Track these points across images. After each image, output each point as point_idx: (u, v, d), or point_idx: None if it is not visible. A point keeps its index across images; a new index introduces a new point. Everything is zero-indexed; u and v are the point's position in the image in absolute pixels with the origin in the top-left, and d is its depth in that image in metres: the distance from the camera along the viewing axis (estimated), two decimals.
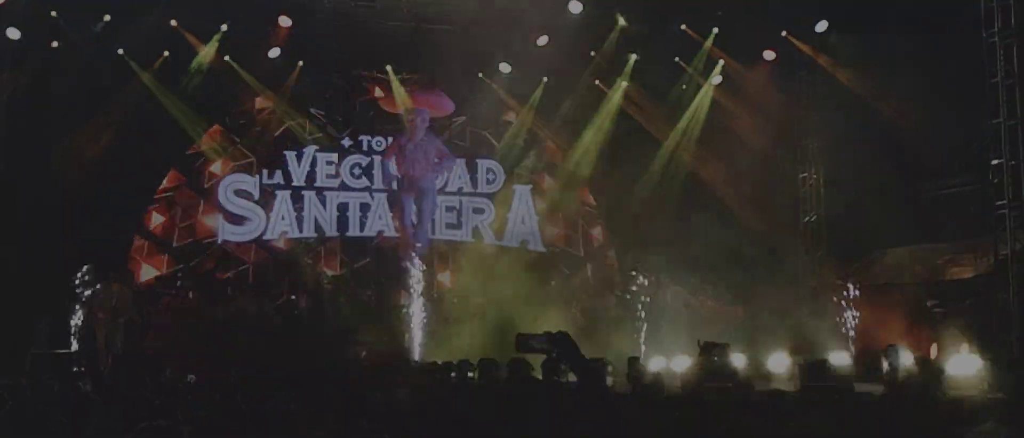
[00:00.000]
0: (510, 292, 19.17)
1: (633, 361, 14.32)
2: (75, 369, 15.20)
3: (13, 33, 18.27)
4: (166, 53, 19.77)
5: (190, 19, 19.16)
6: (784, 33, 20.73)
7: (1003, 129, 15.88)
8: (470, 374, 14.43)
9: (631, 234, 20.84)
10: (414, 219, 20.91)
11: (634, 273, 19.41)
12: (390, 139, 21.31)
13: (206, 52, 19.78)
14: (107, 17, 18.68)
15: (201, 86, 20.10)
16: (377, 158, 21.33)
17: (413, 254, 20.33)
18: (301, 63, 20.61)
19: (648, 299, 18.73)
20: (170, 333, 17.79)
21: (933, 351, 14.55)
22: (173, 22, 19.00)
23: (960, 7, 16.97)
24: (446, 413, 6.52)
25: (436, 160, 20.84)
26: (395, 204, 21.06)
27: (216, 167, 20.65)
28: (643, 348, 17.89)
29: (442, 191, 21.52)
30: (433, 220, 21.26)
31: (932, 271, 18.71)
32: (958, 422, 5.96)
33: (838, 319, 17.74)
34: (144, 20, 18.74)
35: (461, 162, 21.75)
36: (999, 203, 15.89)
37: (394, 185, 21.01)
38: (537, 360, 11.07)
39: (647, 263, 19.36)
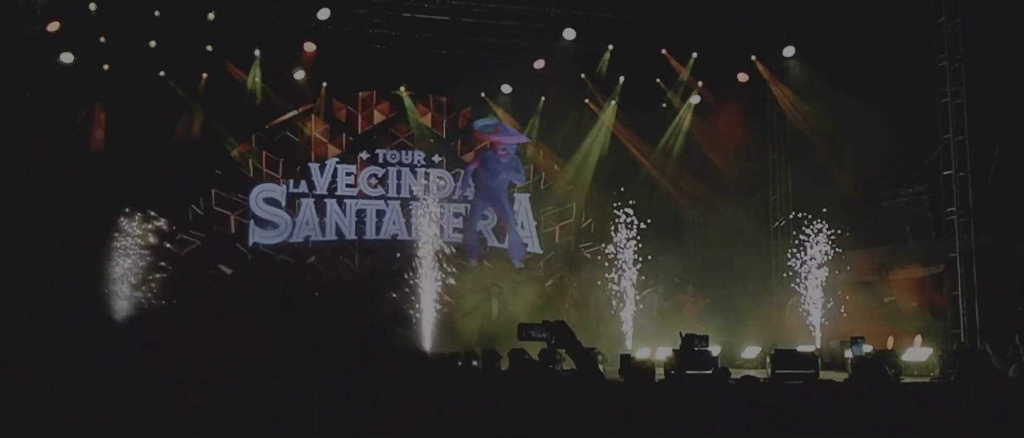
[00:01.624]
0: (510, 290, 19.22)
1: (624, 357, 14.23)
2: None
3: (66, 57, 18.31)
4: (205, 75, 19.77)
5: (225, 45, 19.15)
6: (753, 57, 20.80)
7: (952, 144, 15.93)
8: (474, 362, 14.45)
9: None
10: (479, 228, 21.46)
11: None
12: (413, 154, 21.57)
13: (250, 78, 19.92)
14: (152, 43, 18.73)
15: (236, 104, 20.14)
16: (392, 169, 21.32)
17: (471, 259, 20.90)
18: (325, 84, 20.64)
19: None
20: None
21: (890, 342, 14.56)
22: (209, 47, 19.02)
23: (914, 34, 17.00)
24: (454, 398, 6.51)
25: (504, 176, 21.48)
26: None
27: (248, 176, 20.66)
28: (628, 340, 17.88)
29: (449, 199, 21.54)
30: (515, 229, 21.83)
31: (888, 270, 18.71)
32: (913, 404, 5.98)
33: (805, 313, 17.74)
34: (184, 46, 18.82)
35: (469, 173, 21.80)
36: (949, 210, 15.95)
37: (469, 194, 21.53)
38: (535, 349, 11.10)
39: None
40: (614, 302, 19.10)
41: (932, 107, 16.35)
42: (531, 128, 21.93)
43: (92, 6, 17.69)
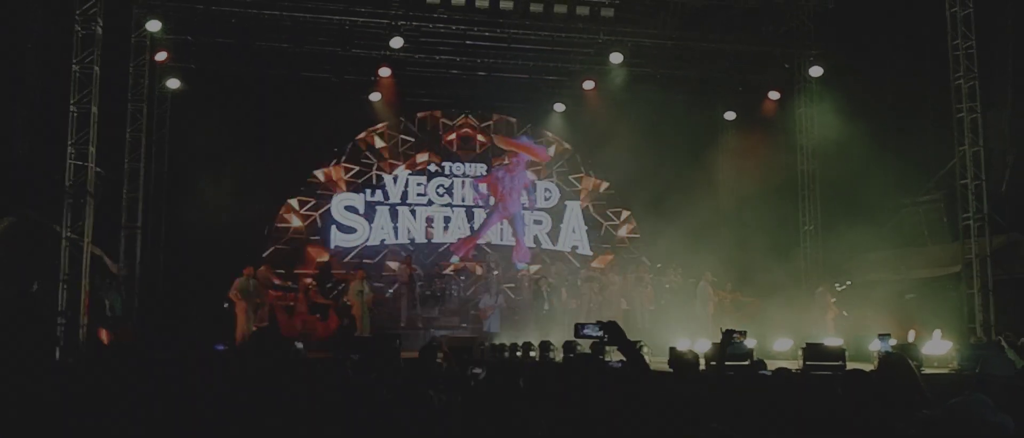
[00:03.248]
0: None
1: (672, 349, 14.15)
2: (218, 347, 15.35)
3: (173, 83, 18.69)
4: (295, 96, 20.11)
5: (310, 69, 19.44)
6: (784, 74, 20.64)
7: (967, 154, 15.70)
8: (532, 353, 14.51)
9: (664, 243, 20.66)
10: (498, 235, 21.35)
11: (671, 272, 19.26)
12: (476, 167, 21.63)
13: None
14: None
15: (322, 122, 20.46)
16: (457, 180, 21.48)
17: (518, 263, 21.08)
18: (399, 105, 20.87)
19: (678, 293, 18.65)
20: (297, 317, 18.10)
21: (911, 336, 14.33)
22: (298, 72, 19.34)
23: (932, 54, 16.78)
24: (511, 384, 6.51)
25: (524, 188, 21.28)
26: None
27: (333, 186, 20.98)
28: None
29: None
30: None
31: (909, 270, 18.45)
32: (934, 393, 5.91)
33: (833, 310, 17.54)
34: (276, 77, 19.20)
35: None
36: (965, 215, 15.71)
37: (481, 202, 21.39)
38: (586, 344, 11.10)
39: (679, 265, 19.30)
40: (657, 298, 19.11)
41: (949, 121, 16.11)
42: (585, 143, 21.98)
43: (196, 37, 18.04)
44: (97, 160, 14.16)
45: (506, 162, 21.63)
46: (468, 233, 21.28)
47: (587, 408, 4.91)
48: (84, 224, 13.54)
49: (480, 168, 21.63)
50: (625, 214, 22.38)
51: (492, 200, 21.27)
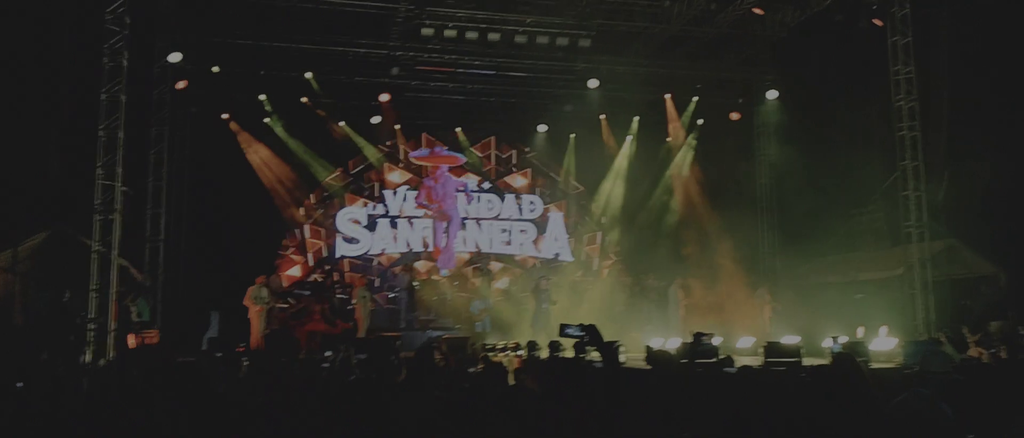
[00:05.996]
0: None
1: (648, 348, 14.12)
2: (238, 349, 15.26)
3: (193, 107, 18.66)
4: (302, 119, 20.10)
5: (317, 95, 19.43)
6: (740, 100, 20.83)
7: (909, 169, 15.84)
8: (519, 352, 14.50)
9: (636, 251, 20.73)
10: (442, 241, 20.73)
11: (646, 277, 19.26)
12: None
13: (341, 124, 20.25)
14: (263, 96, 19.09)
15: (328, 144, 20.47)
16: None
17: (443, 267, 20.35)
18: (398, 126, 20.85)
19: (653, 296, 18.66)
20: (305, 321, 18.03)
21: (860, 332, 14.42)
22: (304, 99, 19.32)
23: (875, 79, 16.91)
24: (501, 379, 6.52)
25: (456, 193, 20.73)
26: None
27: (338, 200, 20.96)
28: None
29: (497, 218, 21.62)
30: (463, 240, 21.15)
31: (857, 272, 18.55)
32: (883, 388, 5.97)
33: (769, 308, 17.62)
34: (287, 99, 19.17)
35: (510, 196, 21.82)
36: (907, 223, 15.83)
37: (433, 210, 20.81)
38: (568, 342, 11.10)
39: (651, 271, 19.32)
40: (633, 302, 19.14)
41: (891, 139, 16.24)
42: (567, 161, 22.00)
43: (215, 68, 18.01)
44: (123, 179, 14.11)
45: (431, 172, 21.23)
46: (462, 242, 21.26)
47: (569, 408, 4.93)
48: (112, 238, 13.47)
49: (471, 183, 21.62)
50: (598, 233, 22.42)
51: (432, 207, 20.82)
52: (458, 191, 20.80)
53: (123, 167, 13.68)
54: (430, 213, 20.70)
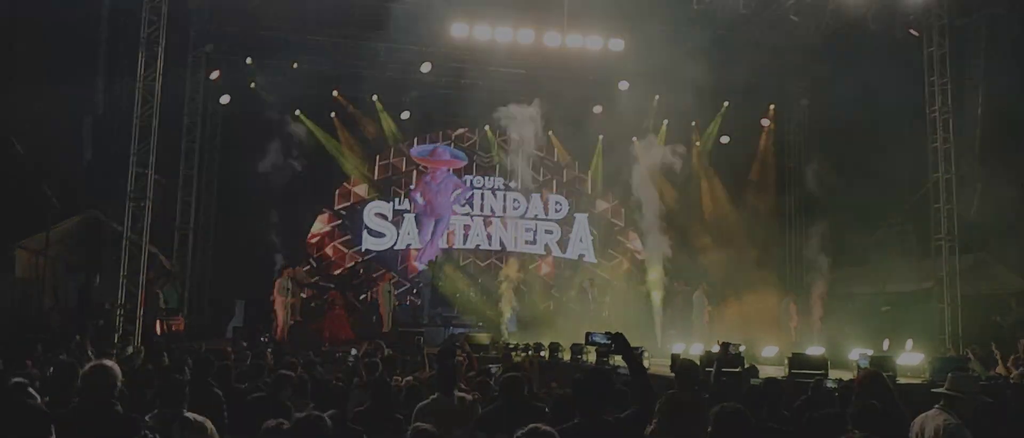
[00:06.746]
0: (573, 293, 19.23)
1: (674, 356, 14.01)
2: (262, 338, 15.43)
3: (224, 98, 18.87)
4: (334, 113, 20.26)
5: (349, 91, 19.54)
6: (772, 106, 20.69)
7: (941, 181, 15.67)
8: (541, 353, 14.51)
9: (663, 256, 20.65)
10: (428, 236, 20.69)
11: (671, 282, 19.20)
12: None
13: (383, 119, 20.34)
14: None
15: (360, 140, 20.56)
16: (477, 191, 21.52)
17: (420, 263, 20.17)
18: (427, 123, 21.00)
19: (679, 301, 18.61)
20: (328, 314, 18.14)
21: (885, 345, 14.27)
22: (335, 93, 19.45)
23: (908, 88, 16.72)
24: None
25: (455, 191, 20.60)
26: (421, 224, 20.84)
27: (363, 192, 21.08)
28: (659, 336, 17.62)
29: (522, 217, 21.66)
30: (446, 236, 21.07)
31: (883, 284, 18.37)
32: (910, 405, 5.94)
33: (795, 319, 17.51)
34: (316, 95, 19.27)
35: (536, 196, 21.83)
36: (937, 236, 15.67)
37: (417, 210, 20.77)
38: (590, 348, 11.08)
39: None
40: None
41: (923, 150, 16.07)
42: (595, 163, 21.97)
43: (248, 59, 18.17)
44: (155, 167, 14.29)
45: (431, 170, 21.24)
46: (487, 240, 21.33)
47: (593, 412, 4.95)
48: (144, 225, 13.64)
49: (498, 181, 21.67)
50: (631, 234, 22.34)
51: (422, 202, 20.73)
52: (456, 190, 20.78)
53: (155, 155, 13.86)
54: (416, 208, 20.62)
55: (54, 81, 14.04)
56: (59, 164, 15.22)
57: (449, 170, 21.09)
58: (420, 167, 21.35)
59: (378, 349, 10.68)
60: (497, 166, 21.66)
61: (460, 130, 21.66)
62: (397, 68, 18.95)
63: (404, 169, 21.33)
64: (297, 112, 19.69)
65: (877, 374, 6.12)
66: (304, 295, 18.72)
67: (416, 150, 20.86)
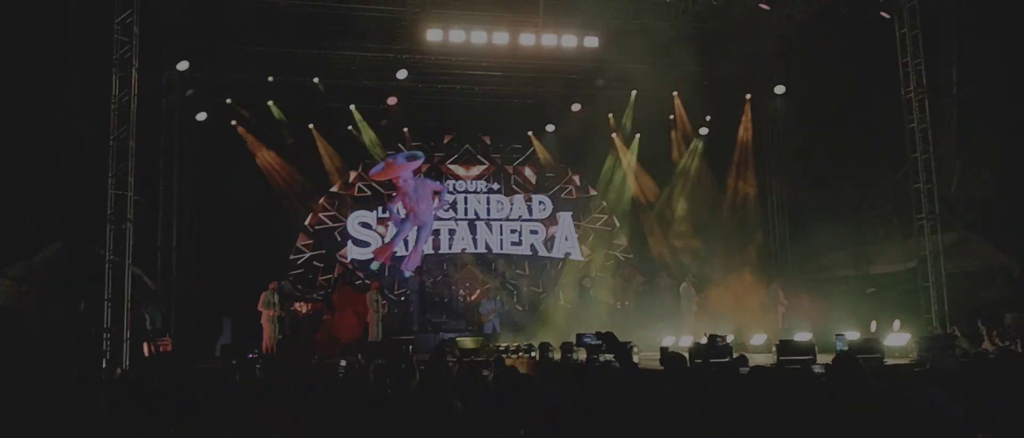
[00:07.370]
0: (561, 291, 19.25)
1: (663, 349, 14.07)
2: (251, 355, 15.34)
3: (201, 116, 18.81)
4: (311, 125, 20.28)
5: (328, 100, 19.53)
6: (748, 96, 20.81)
7: (920, 161, 15.79)
8: (532, 354, 14.55)
9: (646, 249, 20.78)
10: (411, 244, 19.84)
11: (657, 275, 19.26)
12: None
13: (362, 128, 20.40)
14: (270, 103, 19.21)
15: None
16: (460, 195, 21.54)
17: (404, 271, 19.61)
18: (406, 129, 20.93)
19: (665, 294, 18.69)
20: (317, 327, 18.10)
21: (873, 327, 14.39)
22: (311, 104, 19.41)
23: (884, 70, 16.85)
24: (516, 380, 6.57)
25: (433, 193, 19.47)
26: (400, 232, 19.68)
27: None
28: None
29: (507, 218, 21.68)
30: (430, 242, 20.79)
31: (869, 265, 18.51)
32: (895, 385, 6.00)
33: (783, 304, 17.63)
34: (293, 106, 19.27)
35: (520, 197, 21.85)
36: (918, 216, 15.79)
37: (398, 218, 19.60)
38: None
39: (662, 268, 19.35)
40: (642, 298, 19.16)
41: (901, 132, 16.21)
42: (577, 159, 22.03)
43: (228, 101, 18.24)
44: (134, 187, 14.20)
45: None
46: (472, 244, 21.34)
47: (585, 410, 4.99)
48: (125, 247, 13.56)
49: (481, 184, 21.71)
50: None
51: (403, 211, 19.56)
52: (435, 194, 20.36)
53: (134, 176, 13.78)
54: (395, 218, 19.73)
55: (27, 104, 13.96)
56: (36, 188, 15.12)
57: (420, 173, 20.85)
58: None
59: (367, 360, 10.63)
60: (480, 169, 21.68)
61: (445, 137, 21.66)
62: (373, 76, 18.93)
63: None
64: (275, 119, 19.66)
65: (850, 356, 6.19)
66: (293, 308, 18.68)
67: (373, 170, 19.58)
